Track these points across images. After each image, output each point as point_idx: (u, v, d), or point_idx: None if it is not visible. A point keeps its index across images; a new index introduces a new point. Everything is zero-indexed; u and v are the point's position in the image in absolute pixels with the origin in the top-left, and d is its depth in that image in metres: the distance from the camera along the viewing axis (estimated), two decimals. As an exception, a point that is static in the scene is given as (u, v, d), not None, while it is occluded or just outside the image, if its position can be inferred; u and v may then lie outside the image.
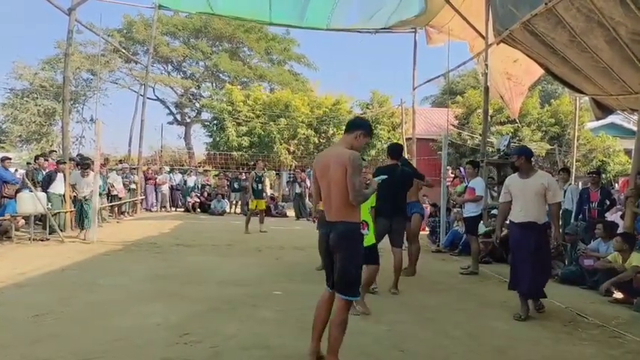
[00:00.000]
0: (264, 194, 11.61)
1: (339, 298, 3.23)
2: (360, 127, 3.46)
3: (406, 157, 16.27)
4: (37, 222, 9.58)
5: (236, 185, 17.18)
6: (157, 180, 16.98)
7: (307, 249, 8.47)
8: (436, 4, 11.36)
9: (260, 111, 21.53)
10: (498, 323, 4.68)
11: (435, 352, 3.83)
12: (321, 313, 3.40)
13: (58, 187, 9.91)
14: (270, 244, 9.39)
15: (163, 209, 16.87)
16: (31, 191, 8.88)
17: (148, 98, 17.34)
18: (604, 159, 20.34)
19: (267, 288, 5.74)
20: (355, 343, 3.92)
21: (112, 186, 12.98)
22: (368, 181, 3.65)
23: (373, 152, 21.71)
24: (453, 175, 14.94)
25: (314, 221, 6.75)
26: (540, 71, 9.41)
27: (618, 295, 5.78)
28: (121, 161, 17.50)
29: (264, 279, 6.27)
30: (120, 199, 13.41)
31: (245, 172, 18.75)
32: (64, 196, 10.02)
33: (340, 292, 3.25)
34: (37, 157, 11.41)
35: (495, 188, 9.71)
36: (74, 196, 10.07)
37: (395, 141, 20.87)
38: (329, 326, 3.26)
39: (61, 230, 9.32)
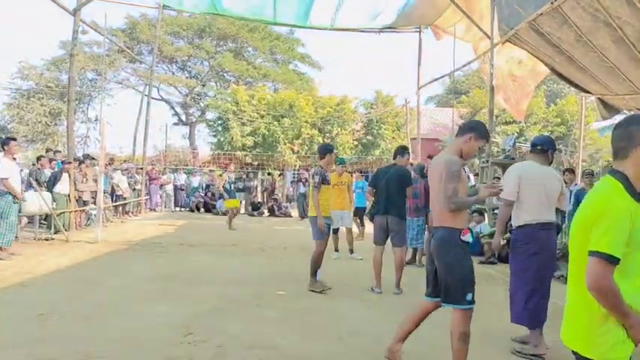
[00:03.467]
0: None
1: (450, 309, 3.12)
2: (471, 129, 3.21)
3: (410, 156, 16.28)
4: (41, 222, 9.62)
5: (240, 185, 17.20)
6: (162, 180, 17.03)
7: (311, 249, 8.45)
8: (442, 3, 11.34)
9: (264, 111, 21.54)
10: (503, 324, 4.64)
11: (438, 352, 3.80)
12: (411, 314, 3.35)
13: (63, 187, 9.94)
14: (274, 245, 9.39)
15: (167, 209, 16.92)
16: (36, 191, 8.91)
17: (152, 98, 17.38)
18: (610, 159, 20.21)
19: (270, 288, 5.73)
20: (358, 343, 3.91)
21: (118, 186, 13.04)
22: (496, 185, 3.33)
23: (377, 152, 21.67)
24: None
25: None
26: (546, 71, 9.37)
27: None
28: (125, 161, 17.56)
29: (268, 279, 6.26)
30: (125, 198, 13.46)
31: (250, 172, 18.79)
32: (68, 196, 10.06)
33: (444, 302, 3.14)
34: (39, 158, 11.48)
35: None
36: None
37: (399, 141, 20.92)
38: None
39: (66, 230, 9.35)
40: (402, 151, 6.11)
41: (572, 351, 1.86)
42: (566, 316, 1.92)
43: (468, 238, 3.10)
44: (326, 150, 6.08)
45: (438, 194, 3.14)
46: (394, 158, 6.11)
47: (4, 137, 7.88)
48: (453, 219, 3.11)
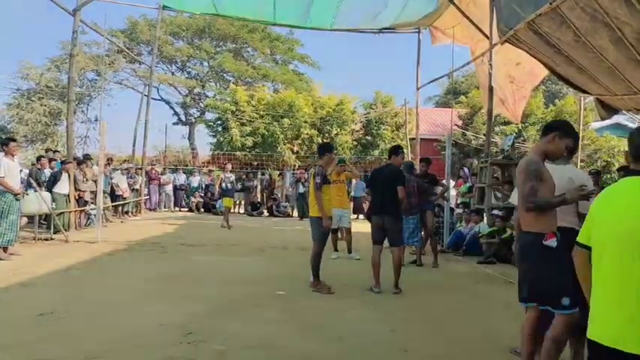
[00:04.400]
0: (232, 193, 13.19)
1: (555, 312, 2.96)
2: (556, 128, 3.14)
3: (409, 157, 16.28)
4: (41, 222, 9.62)
5: (239, 185, 17.22)
6: (161, 180, 17.04)
7: (310, 249, 8.47)
8: (441, 5, 11.37)
9: (264, 111, 21.56)
10: (502, 323, 4.66)
11: (438, 352, 3.82)
12: (524, 332, 3.12)
13: (63, 187, 9.95)
14: (274, 244, 9.40)
15: (167, 209, 16.93)
16: (36, 191, 8.92)
17: (152, 99, 17.37)
18: (608, 159, 20.25)
19: (270, 288, 5.74)
20: (358, 343, 3.92)
21: (117, 186, 13.04)
22: (586, 188, 3.02)
23: (376, 152, 21.67)
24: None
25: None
26: (543, 74, 9.39)
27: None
28: (125, 161, 17.56)
29: (268, 279, 6.27)
30: (125, 199, 13.47)
31: (249, 172, 18.80)
32: (68, 196, 10.07)
33: (541, 305, 3.02)
34: (39, 158, 11.50)
35: (500, 188, 9.67)
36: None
37: (398, 141, 20.92)
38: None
39: (66, 230, 9.36)
40: (397, 150, 6.17)
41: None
42: (625, 321, 1.78)
43: (551, 242, 2.94)
44: (325, 149, 6.11)
45: (520, 196, 3.04)
46: (389, 158, 6.17)
47: (4, 137, 8.01)
48: (536, 222, 2.98)
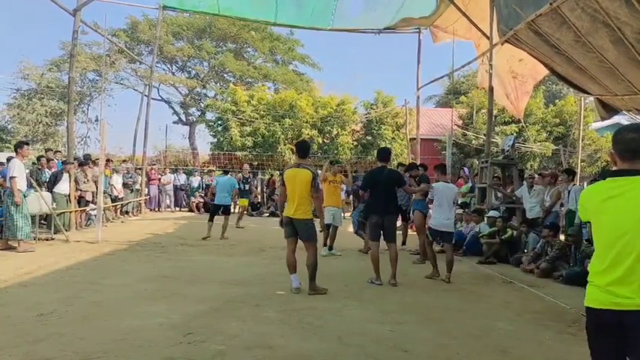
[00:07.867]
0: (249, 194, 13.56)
1: None
2: None
3: (410, 157, 16.26)
4: (41, 222, 9.64)
5: (240, 185, 17.21)
6: (162, 180, 17.03)
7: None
8: (440, 5, 11.37)
9: (264, 111, 21.55)
10: (502, 323, 4.66)
11: (437, 352, 3.82)
12: None
13: (64, 187, 9.96)
14: (273, 244, 9.38)
15: (168, 209, 16.93)
16: (36, 191, 8.93)
17: (152, 99, 17.37)
18: (609, 159, 20.25)
19: (269, 288, 5.75)
20: (357, 343, 3.92)
21: (113, 186, 13.03)
22: None
23: (375, 152, 21.67)
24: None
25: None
26: (545, 70, 9.37)
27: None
28: (125, 161, 17.57)
29: (267, 279, 6.27)
30: (121, 199, 13.45)
31: (249, 173, 18.78)
32: (69, 196, 10.07)
33: None
34: (39, 158, 11.51)
35: (500, 188, 9.67)
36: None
37: (399, 141, 20.91)
38: None
39: (66, 230, 9.37)
40: (389, 155, 6.77)
41: None
42: None
43: None
44: (308, 150, 6.08)
45: None
46: (381, 161, 6.47)
47: (18, 141, 9.06)
48: None
